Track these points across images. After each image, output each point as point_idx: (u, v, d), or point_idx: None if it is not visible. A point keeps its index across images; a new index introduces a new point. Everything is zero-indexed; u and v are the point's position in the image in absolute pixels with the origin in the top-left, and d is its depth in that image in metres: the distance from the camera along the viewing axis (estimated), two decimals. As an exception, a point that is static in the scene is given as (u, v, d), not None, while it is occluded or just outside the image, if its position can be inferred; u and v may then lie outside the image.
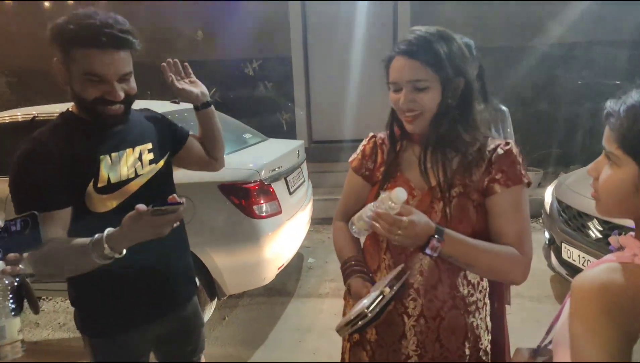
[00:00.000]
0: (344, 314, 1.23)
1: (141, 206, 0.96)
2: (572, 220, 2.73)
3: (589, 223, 2.58)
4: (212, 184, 2.53)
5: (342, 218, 1.24)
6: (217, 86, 5.43)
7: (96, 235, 1.01)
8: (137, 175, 1.23)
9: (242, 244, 2.54)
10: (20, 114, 2.96)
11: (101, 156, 1.16)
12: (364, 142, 1.22)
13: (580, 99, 5.07)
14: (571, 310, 0.66)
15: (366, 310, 0.88)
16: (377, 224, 0.89)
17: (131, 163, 1.22)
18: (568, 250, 2.68)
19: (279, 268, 2.73)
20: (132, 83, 1.15)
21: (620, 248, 0.72)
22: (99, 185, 1.14)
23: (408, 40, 0.98)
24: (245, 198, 2.58)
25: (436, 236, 0.90)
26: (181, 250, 1.41)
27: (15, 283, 0.79)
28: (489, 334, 1.14)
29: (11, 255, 0.81)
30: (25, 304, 0.84)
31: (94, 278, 1.11)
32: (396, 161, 1.12)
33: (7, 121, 2.94)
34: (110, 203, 1.16)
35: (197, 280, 1.48)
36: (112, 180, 1.17)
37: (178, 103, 3.36)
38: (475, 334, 1.08)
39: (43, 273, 1.11)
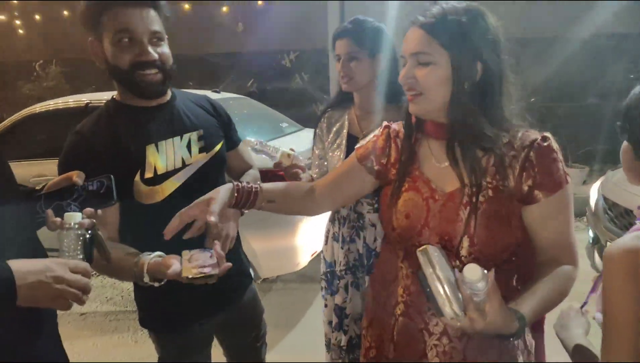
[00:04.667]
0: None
1: None
2: (618, 218, 2.61)
3: (637, 222, 2.46)
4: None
5: (318, 183, 1.12)
6: (254, 77, 5.54)
7: (141, 259, 1.03)
8: (184, 165, 1.18)
9: (277, 229, 2.61)
10: (73, 100, 3.15)
11: (147, 146, 1.13)
12: (377, 132, 1.09)
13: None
14: (603, 277, 0.72)
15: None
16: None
17: (179, 152, 1.17)
18: (612, 248, 2.57)
19: (312, 255, 2.78)
20: (166, 49, 1.12)
21: None
22: (146, 176, 1.12)
23: (424, 12, 0.89)
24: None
25: (518, 326, 0.77)
26: (234, 245, 1.38)
27: (88, 235, 0.86)
28: (530, 355, 0.99)
29: (88, 210, 0.88)
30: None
31: None
32: (413, 157, 1.00)
33: (60, 107, 3.14)
34: (158, 195, 1.13)
35: (251, 271, 1.50)
36: (159, 171, 1.13)
37: (219, 92, 3.47)
38: (511, 355, 0.94)
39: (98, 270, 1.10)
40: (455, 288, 0.75)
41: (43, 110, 3.19)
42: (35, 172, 2.94)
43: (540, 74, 4.80)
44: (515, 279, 0.99)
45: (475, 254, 0.90)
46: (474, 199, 0.89)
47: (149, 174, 1.13)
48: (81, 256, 0.84)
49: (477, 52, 0.85)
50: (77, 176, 0.92)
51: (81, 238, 0.84)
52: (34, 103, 3.33)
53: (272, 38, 5.36)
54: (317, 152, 1.68)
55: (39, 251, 0.92)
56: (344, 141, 1.56)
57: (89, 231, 0.86)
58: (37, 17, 5.56)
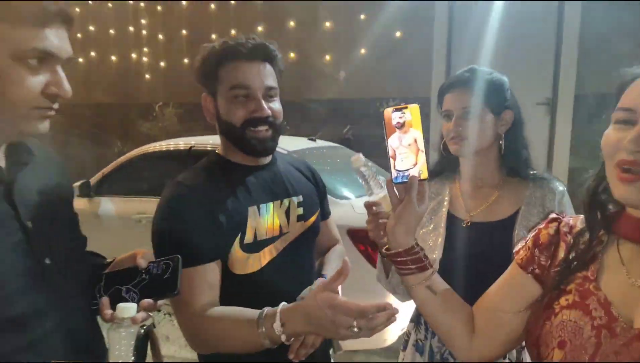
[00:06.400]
0: None
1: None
2: None
3: None
4: (340, 228, 2.42)
5: (482, 304, 0.85)
6: (351, 123, 5.48)
7: (267, 309, 0.86)
8: (282, 233, 1.08)
9: (365, 296, 2.33)
10: (182, 142, 3.31)
11: (250, 206, 1.04)
12: (541, 225, 0.84)
13: None
14: None
15: None
16: None
17: (278, 218, 1.08)
18: None
19: (402, 330, 2.45)
20: (278, 105, 1.08)
21: None
22: (245, 241, 1.01)
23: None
24: (372, 246, 2.41)
25: None
26: None
27: (142, 331, 0.76)
28: None
29: (145, 302, 0.75)
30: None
31: None
32: (587, 261, 0.73)
33: (170, 149, 3.31)
34: (252, 265, 1.02)
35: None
36: (260, 236, 1.04)
37: (314, 141, 3.40)
38: None
39: (201, 347, 0.98)
40: None
41: (156, 150, 3.38)
42: (139, 209, 3.09)
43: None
44: None
45: None
46: None
47: (248, 239, 1.02)
48: (132, 358, 0.71)
49: None
50: (142, 257, 0.81)
51: (133, 336, 0.72)
52: (150, 142, 3.58)
53: (372, 86, 5.29)
54: None
55: (95, 337, 0.81)
56: (442, 223, 1.23)
57: (144, 327, 0.75)
58: (162, 63, 6.23)
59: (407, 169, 0.81)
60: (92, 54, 6.95)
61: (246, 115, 1.02)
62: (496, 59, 4.78)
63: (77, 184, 3.38)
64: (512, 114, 1.19)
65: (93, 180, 3.47)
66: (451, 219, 1.23)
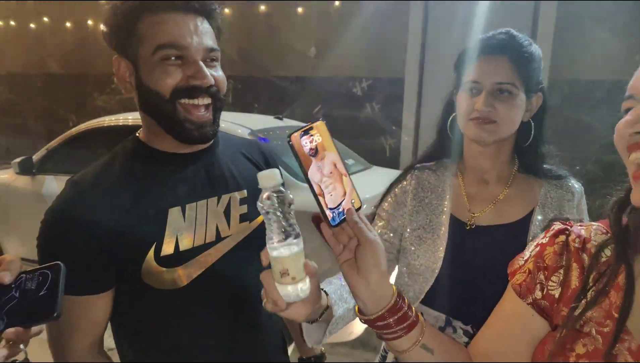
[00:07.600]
0: None
1: None
2: None
3: None
4: (304, 214, 2.27)
5: (477, 345, 0.69)
6: (322, 103, 5.29)
7: None
8: (220, 238, 0.87)
9: (330, 288, 2.22)
10: (132, 117, 3.04)
11: (171, 209, 0.82)
12: (542, 239, 0.66)
13: None
14: None
15: None
16: None
17: (213, 220, 0.87)
18: None
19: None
20: (221, 72, 0.86)
21: None
22: (163, 254, 0.81)
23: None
24: (339, 234, 2.27)
25: None
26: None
27: None
28: None
29: (12, 332, 0.55)
30: None
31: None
32: (614, 293, 0.56)
33: (121, 124, 3.03)
34: (175, 281, 0.82)
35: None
36: (183, 246, 0.82)
37: (281, 120, 3.21)
38: None
39: None
40: None
41: (112, 124, 3.07)
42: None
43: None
44: None
45: None
46: None
47: (167, 251, 0.81)
48: None
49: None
50: (7, 268, 0.57)
51: None
52: (105, 115, 3.27)
53: (345, 64, 5.09)
54: (386, 232, 1.04)
55: None
56: (443, 227, 0.97)
57: None
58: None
59: (340, 204, 0.63)
60: (45, 19, 6.40)
61: (179, 82, 0.79)
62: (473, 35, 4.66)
63: (17, 160, 3.07)
64: (541, 99, 0.97)
65: (36, 156, 3.15)
66: (451, 221, 0.99)
